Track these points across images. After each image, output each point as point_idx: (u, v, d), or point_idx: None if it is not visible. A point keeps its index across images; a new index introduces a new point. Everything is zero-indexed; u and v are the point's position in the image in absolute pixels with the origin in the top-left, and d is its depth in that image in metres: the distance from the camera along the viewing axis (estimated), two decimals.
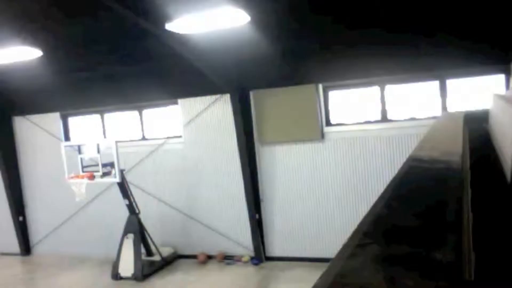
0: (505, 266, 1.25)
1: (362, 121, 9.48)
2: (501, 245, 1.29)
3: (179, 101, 10.79)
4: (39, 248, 12.82)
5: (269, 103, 9.80)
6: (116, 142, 9.75)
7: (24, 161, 12.64)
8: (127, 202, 10.16)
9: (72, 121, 12.42)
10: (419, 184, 1.40)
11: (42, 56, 8.76)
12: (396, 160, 8.86)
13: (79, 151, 10.25)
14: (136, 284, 9.74)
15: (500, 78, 8.39)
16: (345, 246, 0.85)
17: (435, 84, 8.94)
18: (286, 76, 9.42)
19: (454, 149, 2.01)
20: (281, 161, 10.08)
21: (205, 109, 10.49)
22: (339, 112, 9.72)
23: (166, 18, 7.01)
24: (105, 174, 9.92)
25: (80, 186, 9.99)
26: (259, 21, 7.48)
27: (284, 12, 7.72)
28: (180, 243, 11.14)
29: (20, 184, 12.70)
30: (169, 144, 11.11)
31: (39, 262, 12.15)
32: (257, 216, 10.21)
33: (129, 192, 10.19)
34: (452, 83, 8.84)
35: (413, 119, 9.05)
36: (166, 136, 11.19)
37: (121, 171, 9.89)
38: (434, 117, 8.26)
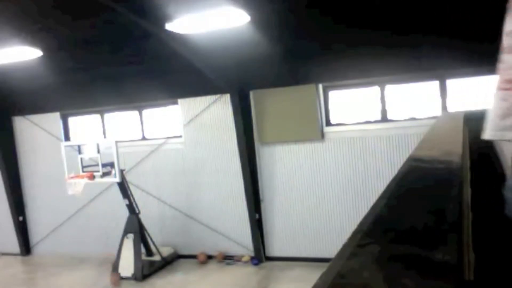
0: (505, 266, 1.25)
1: (362, 121, 9.49)
2: (501, 245, 1.29)
3: (179, 101, 10.79)
4: (39, 248, 12.83)
5: (269, 103, 9.80)
6: (116, 142, 9.76)
7: (24, 161, 12.64)
8: (127, 202, 10.16)
9: (72, 121, 12.42)
10: (419, 184, 1.40)
11: (42, 56, 8.77)
12: (396, 160, 8.86)
13: (79, 151, 10.26)
14: (136, 284, 9.74)
15: None
16: (345, 246, 0.85)
17: (435, 84, 8.94)
18: (286, 76, 9.41)
19: (454, 149, 2.01)
20: (281, 161, 10.08)
21: (205, 109, 10.49)
22: (339, 112, 9.72)
23: (166, 18, 7.02)
24: (105, 174, 9.92)
25: (78, 185, 9.97)
26: (259, 21, 7.48)
27: (284, 12, 7.72)
28: (180, 243, 11.15)
29: (20, 184, 12.70)
30: (169, 144, 11.11)
31: (39, 262, 12.15)
32: (257, 216, 10.21)
33: (129, 192, 10.19)
34: (452, 83, 8.84)
35: (413, 119, 9.05)
36: (166, 136, 11.19)
37: (121, 171, 9.89)
38: (434, 117, 8.26)
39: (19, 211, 12.62)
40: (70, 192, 10.07)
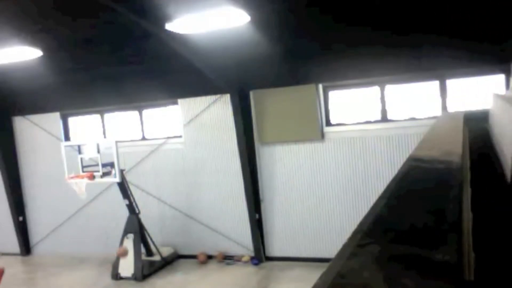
0: (505, 266, 1.25)
1: (362, 121, 9.49)
2: (501, 245, 1.29)
3: (179, 101, 10.79)
4: (39, 248, 12.83)
5: (269, 103, 9.80)
6: (116, 142, 9.75)
7: (24, 161, 12.64)
8: (127, 202, 10.16)
9: (72, 121, 12.42)
10: (419, 184, 1.40)
11: (42, 56, 8.77)
12: (396, 160, 8.86)
13: (79, 151, 10.25)
14: (136, 284, 9.74)
15: (500, 78, 8.39)
16: (345, 246, 0.85)
17: (435, 84, 8.94)
18: (286, 76, 9.42)
19: (454, 149, 2.01)
20: (281, 161, 10.08)
21: (205, 109, 10.49)
22: (339, 112, 9.72)
23: (166, 18, 7.02)
24: (105, 174, 9.92)
25: (80, 185, 9.99)
26: (259, 21, 7.48)
27: (284, 12, 7.72)
28: (180, 243, 11.15)
29: (20, 184, 12.70)
30: (169, 144, 11.11)
31: (39, 262, 12.15)
32: (257, 216, 10.21)
33: (129, 192, 10.19)
34: (452, 83, 8.85)
35: (413, 119, 9.05)
36: (166, 136, 11.19)
37: (121, 171, 9.89)
38: (434, 117, 8.26)
39: (19, 211, 12.63)
40: (81, 196, 10.07)
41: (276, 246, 10.40)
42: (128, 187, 10.22)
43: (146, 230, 10.38)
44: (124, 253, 9.89)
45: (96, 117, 12.06)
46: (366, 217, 1.05)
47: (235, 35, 7.87)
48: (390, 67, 8.70)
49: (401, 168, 1.68)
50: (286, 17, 7.87)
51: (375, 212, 1.08)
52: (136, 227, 10.12)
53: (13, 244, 12.76)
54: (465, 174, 1.82)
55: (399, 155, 8.86)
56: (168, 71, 9.81)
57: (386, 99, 9.28)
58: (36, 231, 12.82)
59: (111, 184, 10.78)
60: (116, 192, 10.34)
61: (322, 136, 9.61)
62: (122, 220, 10.34)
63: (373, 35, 7.98)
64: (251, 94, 9.92)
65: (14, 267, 12.02)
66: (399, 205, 1.11)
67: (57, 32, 8.49)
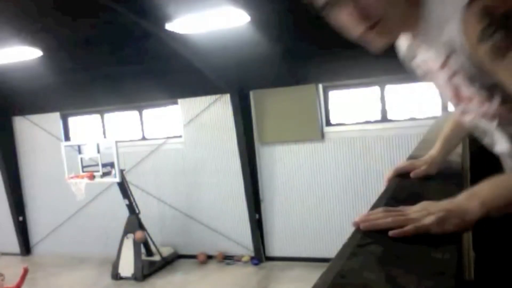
0: (505, 266, 1.25)
1: (362, 121, 9.49)
2: (501, 245, 1.29)
3: (179, 101, 10.79)
4: (39, 248, 12.82)
5: (269, 103, 9.80)
6: (116, 142, 9.76)
7: (24, 161, 12.63)
8: (127, 202, 10.17)
9: (72, 121, 12.42)
10: (419, 184, 1.40)
11: (42, 56, 8.76)
12: (396, 160, 8.85)
13: (79, 151, 10.26)
14: (136, 284, 9.74)
15: None
16: (345, 246, 0.85)
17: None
18: (286, 76, 9.41)
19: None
20: (281, 161, 10.08)
21: (205, 109, 10.49)
22: (339, 112, 9.72)
23: (166, 18, 7.01)
24: (105, 174, 9.92)
25: (79, 186, 9.99)
26: (259, 21, 7.48)
27: (284, 12, 7.71)
28: (180, 243, 11.14)
29: (20, 184, 12.69)
30: (169, 144, 11.11)
31: (39, 262, 12.14)
32: (257, 216, 10.21)
33: (129, 192, 10.20)
34: None
35: (413, 119, 9.05)
36: (166, 136, 11.19)
37: (121, 171, 9.89)
38: (434, 117, 8.25)
39: (19, 211, 12.62)
40: (78, 198, 10.08)
41: (276, 246, 10.39)
42: (128, 187, 10.22)
43: (146, 230, 10.38)
44: (142, 237, 9.92)
45: (96, 117, 12.06)
46: None
47: (235, 35, 7.87)
48: (390, 67, 8.68)
49: None
50: (286, 17, 7.86)
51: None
52: (136, 227, 10.12)
53: (13, 244, 12.75)
54: (465, 174, 1.82)
55: (399, 155, 8.86)
56: (168, 71, 9.81)
57: (386, 99, 9.27)
58: (36, 231, 12.82)
59: (111, 184, 10.78)
60: (116, 192, 10.34)
61: (322, 136, 9.61)
62: (122, 220, 10.34)
63: None
64: (251, 94, 9.92)
65: (14, 267, 12.00)
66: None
67: (57, 32, 8.49)
